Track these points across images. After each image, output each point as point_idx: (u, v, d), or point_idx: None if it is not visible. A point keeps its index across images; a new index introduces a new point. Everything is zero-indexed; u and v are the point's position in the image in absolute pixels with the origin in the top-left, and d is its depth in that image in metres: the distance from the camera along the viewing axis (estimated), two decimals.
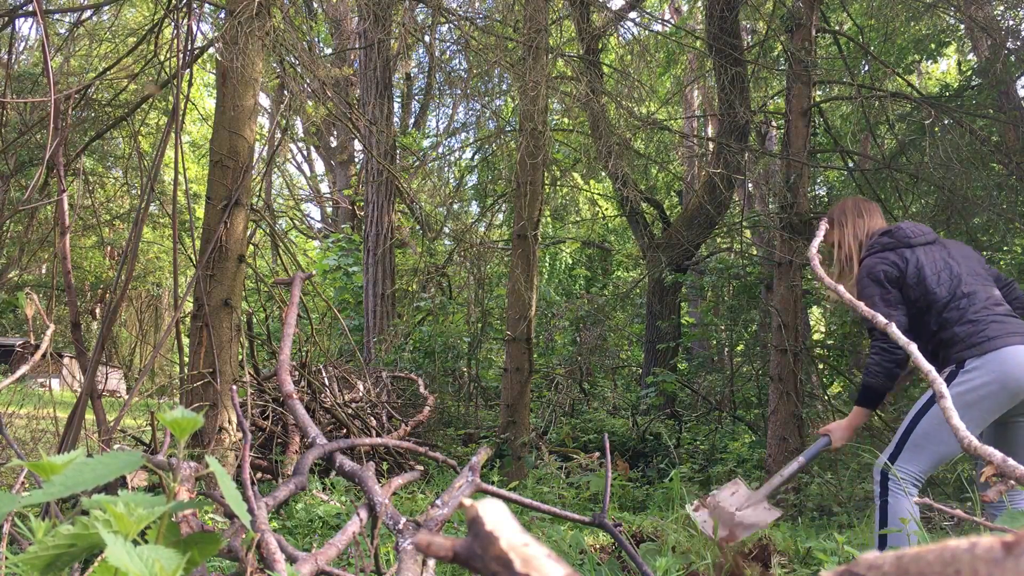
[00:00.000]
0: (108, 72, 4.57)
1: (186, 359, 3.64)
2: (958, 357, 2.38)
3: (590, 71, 5.93)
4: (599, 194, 12.40)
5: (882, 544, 2.43)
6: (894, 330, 1.52)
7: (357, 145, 14.64)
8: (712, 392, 8.36)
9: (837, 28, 7.43)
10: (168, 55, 4.21)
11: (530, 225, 5.36)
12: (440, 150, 11.23)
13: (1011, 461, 1.20)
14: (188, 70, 3.79)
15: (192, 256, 3.75)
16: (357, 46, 10.28)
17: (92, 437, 3.21)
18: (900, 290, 2.53)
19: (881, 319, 1.56)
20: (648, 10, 11.27)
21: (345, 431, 4.54)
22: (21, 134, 4.60)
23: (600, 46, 7.95)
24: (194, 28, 3.88)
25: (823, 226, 2.36)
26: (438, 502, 1.77)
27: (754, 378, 7.62)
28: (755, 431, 6.93)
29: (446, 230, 8.97)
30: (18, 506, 0.77)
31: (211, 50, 4.45)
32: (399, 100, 14.84)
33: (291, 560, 1.42)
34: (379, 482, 1.82)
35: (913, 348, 1.46)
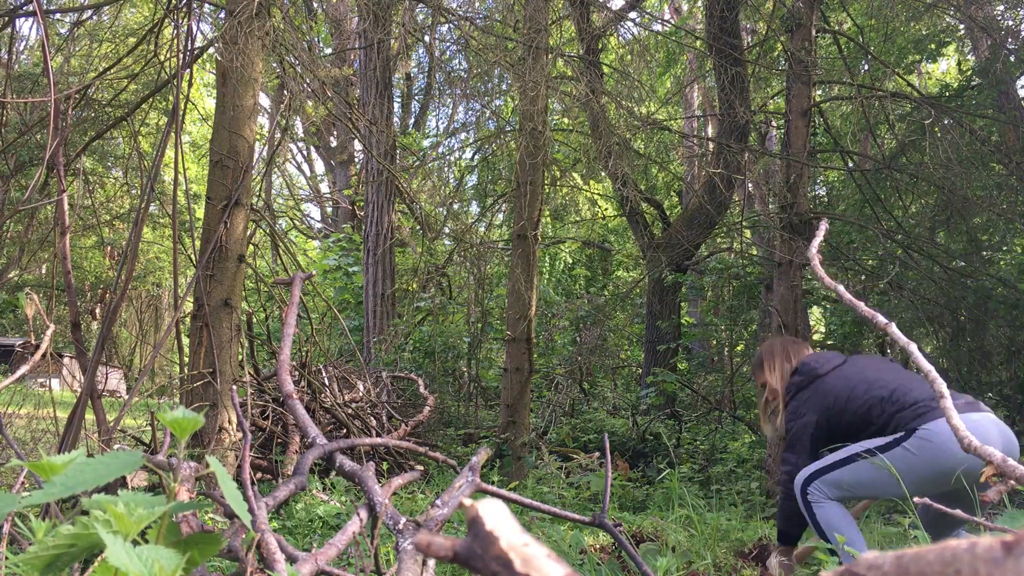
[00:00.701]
0: (108, 72, 4.57)
1: (186, 359, 3.64)
2: (909, 427, 2.34)
3: (590, 71, 5.93)
4: (599, 194, 12.41)
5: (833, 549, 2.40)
6: (894, 330, 1.52)
7: (357, 145, 14.64)
8: (712, 392, 8.36)
9: (837, 28, 7.43)
10: (168, 55, 4.21)
11: (530, 225, 5.36)
12: (440, 150, 11.23)
13: (1011, 461, 1.20)
14: (188, 70, 3.79)
15: (192, 256, 3.75)
16: (357, 46, 10.28)
17: (92, 437, 3.21)
18: (830, 422, 2.56)
19: (881, 319, 1.56)
20: (648, 10, 11.27)
21: (345, 431, 4.54)
22: (21, 134, 4.60)
23: (600, 46, 7.95)
24: (194, 28, 3.88)
25: (823, 225, 2.36)
26: (438, 502, 1.77)
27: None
28: (755, 431, 6.93)
29: (446, 230, 8.96)
30: (18, 506, 0.77)
31: (211, 50, 4.45)
32: (399, 100, 14.85)
33: (291, 560, 1.42)
34: (379, 482, 1.82)
35: (913, 348, 1.46)
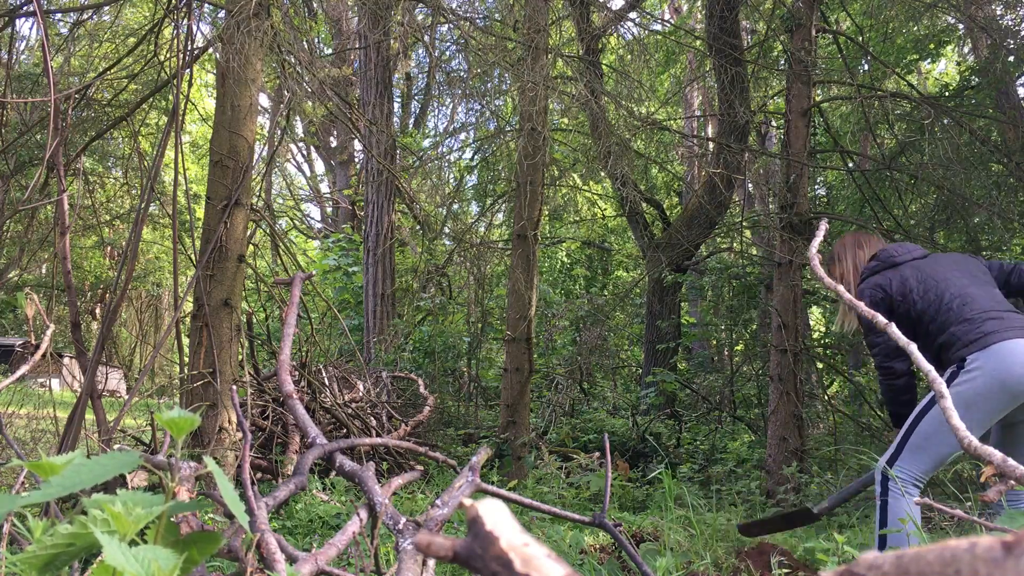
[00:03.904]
0: (108, 72, 4.57)
1: (186, 359, 3.64)
2: (958, 356, 2.40)
3: (590, 71, 5.92)
4: (598, 195, 12.40)
5: (882, 544, 2.43)
6: (894, 330, 1.52)
7: (357, 145, 14.64)
8: (712, 392, 8.36)
9: (837, 28, 7.43)
10: (168, 55, 4.21)
11: (530, 225, 5.36)
12: (440, 150, 11.23)
13: (1011, 461, 1.20)
14: (188, 70, 3.79)
15: (192, 256, 3.74)
16: (357, 46, 10.28)
17: (92, 437, 3.20)
18: (890, 309, 2.59)
19: (881, 319, 1.56)
20: (648, 10, 11.26)
21: (345, 431, 4.53)
22: (21, 134, 4.60)
23: (600, 46, 7.95)
24: (194, 28, 3.88)
25: (823, 225, 2.36)
26: (438, 502, 1.77)
27: (754, 378, 7.62)
28: (755, 431, 6.93)
29: (446, 230, 8.96)
30: (18, 506, 0.77)
31: (211, 50, 4.45)
32: (399, 100, 14.84)
33: (291, 560, 1.42)
34: (379, 482, 1.82)
35: (913, 348, 1.46)
